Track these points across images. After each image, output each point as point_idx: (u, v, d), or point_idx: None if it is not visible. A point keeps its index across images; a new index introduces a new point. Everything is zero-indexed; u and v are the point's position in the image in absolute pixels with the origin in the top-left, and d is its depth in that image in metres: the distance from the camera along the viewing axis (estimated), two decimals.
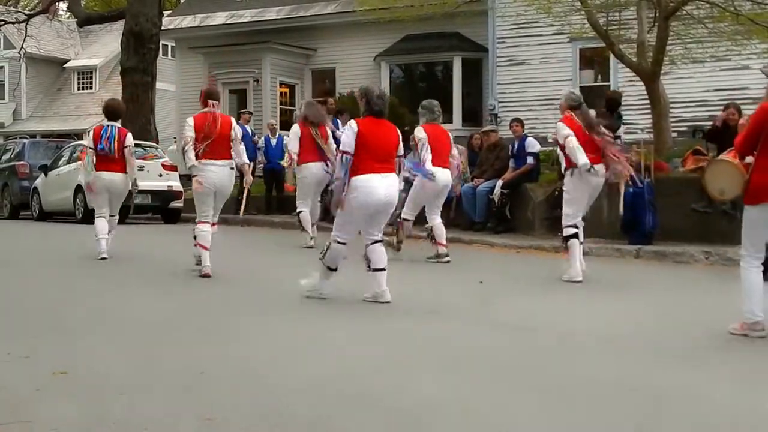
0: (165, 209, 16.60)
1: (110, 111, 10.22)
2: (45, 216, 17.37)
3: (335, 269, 7.06)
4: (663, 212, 10.78)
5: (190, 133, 8.46)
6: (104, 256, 9.67)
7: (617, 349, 5.50)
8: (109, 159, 9.82)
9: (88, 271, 9.11)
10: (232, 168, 8.66)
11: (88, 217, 15.30)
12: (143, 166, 13.74)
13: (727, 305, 6.16)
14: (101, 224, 9.85)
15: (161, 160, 16.45)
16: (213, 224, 8.66)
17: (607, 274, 8.75)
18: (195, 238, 8.53)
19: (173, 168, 16.52)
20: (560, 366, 5.00)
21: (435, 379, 4.61)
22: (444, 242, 10.06)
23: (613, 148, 8.47)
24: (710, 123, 14.17)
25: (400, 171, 7.31)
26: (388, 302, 6.88)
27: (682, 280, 8.99)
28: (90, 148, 9.98)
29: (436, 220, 10.09)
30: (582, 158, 8.19)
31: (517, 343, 5.66)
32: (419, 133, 9.80)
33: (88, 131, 10.24)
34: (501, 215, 12.73)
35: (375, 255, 7.00)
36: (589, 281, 8.35)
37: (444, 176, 9.88)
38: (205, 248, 8.42)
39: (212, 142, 8.44)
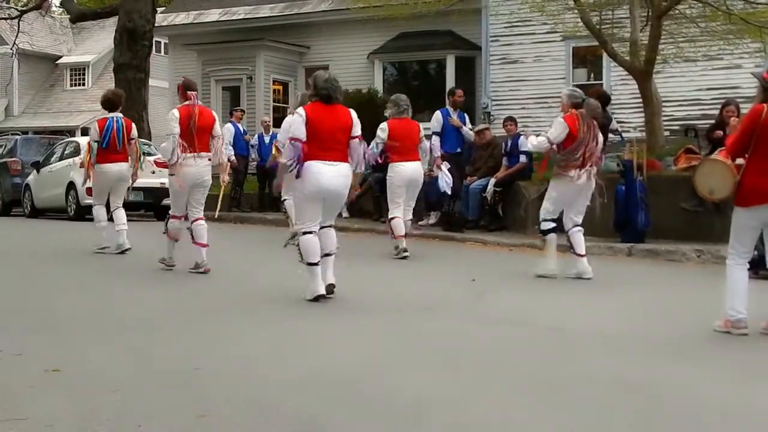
0: (157, 206, 16.56)
1: (109, 102, 10.25)
2: (37, 213, 17.31)
3: (317, 263, 6.80)
4: (655, 210, 10.80)
5: (176, 129, 8.53)
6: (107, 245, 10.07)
7: (610, 347, 5.52)
8: (112, 150, 9.88)
9: (79, 267, 9.10)
10: (209, 160, 8.69)
11: (80, 214, 15.37)
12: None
13: (719, 303, 6.17)
14: (101, 212, 10.31)
15: (154, 157, 16.40)
16: (200, 219, 8.70)
17: (600, 272, 8.76)
18: (166, 229, 8.80)
19: (166, 165, 16.44)
20: (554, 363, 5.02)
21: (429, 376, 4.62)
22: (401, 235, 9.87)
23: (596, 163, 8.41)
24: (703, 122, 14.25)
25: (364, 156, 7.25)
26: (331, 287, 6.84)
27: (674, 277, 9.02)
28: (95, 141, 10.02)
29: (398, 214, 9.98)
30: (537, 146, 8.52)
31: (510, 340, 5.68)
32: (380, 132, 9.89)
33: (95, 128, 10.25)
34: (494, 213, 12.74)
35: (323, 239, 6.92)
36: (582, 279, 8.38)
37: (411, 168, 9.88)
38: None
39: (193, 135, 8.48)
